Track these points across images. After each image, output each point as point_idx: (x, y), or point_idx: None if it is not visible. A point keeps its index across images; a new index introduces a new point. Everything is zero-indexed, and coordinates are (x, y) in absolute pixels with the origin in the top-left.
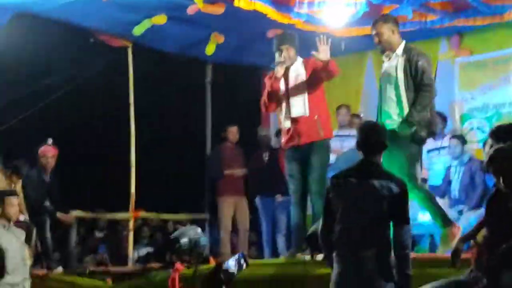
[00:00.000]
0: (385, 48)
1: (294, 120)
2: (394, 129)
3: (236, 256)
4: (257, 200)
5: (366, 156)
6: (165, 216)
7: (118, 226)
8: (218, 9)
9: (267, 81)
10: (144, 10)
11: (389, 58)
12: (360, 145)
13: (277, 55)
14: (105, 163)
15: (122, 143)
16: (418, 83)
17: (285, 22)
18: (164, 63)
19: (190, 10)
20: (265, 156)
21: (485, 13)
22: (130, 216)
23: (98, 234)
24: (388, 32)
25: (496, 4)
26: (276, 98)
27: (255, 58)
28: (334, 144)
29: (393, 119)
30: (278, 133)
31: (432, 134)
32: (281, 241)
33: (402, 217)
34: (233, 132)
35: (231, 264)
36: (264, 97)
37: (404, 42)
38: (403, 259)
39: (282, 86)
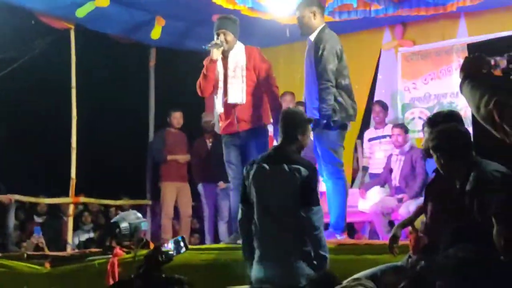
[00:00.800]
0: (305, 32)
1: (232, 106)
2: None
3: (176, 239)
4: (200, 186)
5: (280, 143)
6: (106, 201)
7: (58, 211)
8: None
9: (204, 64)
10: None
11: None
12: (278, 131)
13: (215, 37)
14: (46, 146)
15: (63, 126)
16: (318, 74)
17: (231, 8)
18: (107, 46)
19: None
20: (209, 143)
21: (429, 3)
22: (70, 201)
23: (38, 219)
24: (308, 14)
25: None
26: (212, 82)
27: (200, 42)
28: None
29: (314, 106)
30: None
31: (349, 118)
32: (222, 228)
33: (311, 199)
34: (176, 117)
35: (170, 246)
36: (200, 79)
37: (321, 27)
38: (315, 241)
39: (220, 69)
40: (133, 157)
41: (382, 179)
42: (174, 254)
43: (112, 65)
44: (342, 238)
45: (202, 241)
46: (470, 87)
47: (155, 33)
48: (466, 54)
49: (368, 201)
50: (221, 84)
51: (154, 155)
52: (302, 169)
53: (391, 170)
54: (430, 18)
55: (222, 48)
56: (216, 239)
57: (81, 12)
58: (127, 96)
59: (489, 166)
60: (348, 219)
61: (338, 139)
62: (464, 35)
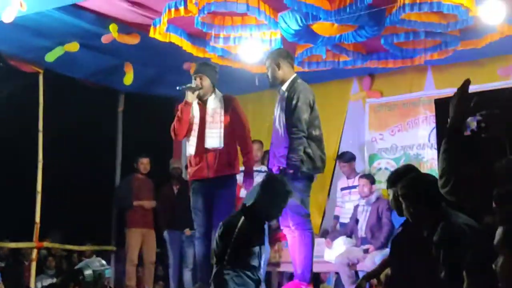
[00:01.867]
0: (272, 83)
1: (204, 152)
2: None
3: None
4: (165, 233)
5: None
6: (70, 247)
7: (20, 256)
8: (133, 40)
9: (179, 107)
10: (57, 37)
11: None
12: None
13: (192, 81)
14: (10, 190)
15: (29, 170)
16: (289, 124)
17: (200, 56)
18: (76, 90)
19: (105, 39)
20: (176, 189)
21: (397, 56)
22: (34, 246)
23: None
24: (272, 66)
25: (407, 48)
26: (186, 125)
27: (169, 89)
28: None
29: (282, 155)
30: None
31: (316, 170)
32: (187, 276)
33: None
34: (144, 163)
35: None
36: (174, 122)
37: (292, 77)
38: None
39: (196, 114)
40: (99, 202)
41: (349, 229)
42: None
43: (81, 109)
44: None
45: None
46: (442, 155)
47: (128, 79)
48: (433, 107)
49: (334, 251)
50: (195, 127)
51: (120, 201)
52: None
53: (357, 221)
54: (398, 70)
55: (197, 92)
56: (181, 287)
57: (50, 57)
58: (95, 141)
59: (458, 218)
60: (314, 269)
61: (304, 189)
62: (431, 87)
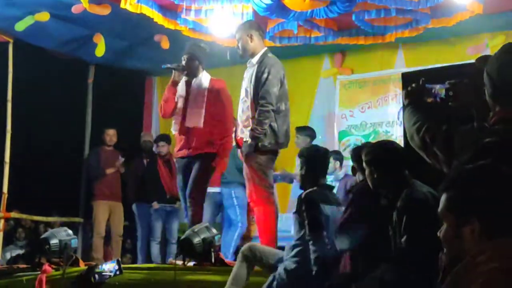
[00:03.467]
0: (243, 54)
1: (186, 131)
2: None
3: (112, 261)
4: (134, 206)
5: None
6: (37, 217)
7: None
8: (104, 10)
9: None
10: (27, 6)
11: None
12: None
13: (182, 61)
14: None
15: None
16: (258, 96)
17: (172, 28)
18: (45, 61)
19: (75, 10)
20: (146, 163)
21: (368, 33)
22: (1, 216)
23: None
24: (245, 37)
25: (378, 25)
26: (172, 103)
27: (140, 62)
28: None
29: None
30: (157, 139)
31: (279, 145)
32: (155, 249)
33: None
34: (109, 135)
35: (105, 267)
36: (162, 101)
37: (263, 50)
38: None
39: (181, 93)
40: (67, 174)
41: None
42: (108, 276)
43: (50, 80)
44: None
45: (134, 261)
46: (408, 114)
47: (99, 50)
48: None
49: None
50: (180, 105)
51: (89, 171)
52: None
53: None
54: (369, 47)
55: (183, 72)
56: (148, 260)
57: (20, 26)
58: (64, 112)
59: (422, 187)
60: (280, 243)
61: (266, 162)
62: (402, 65)
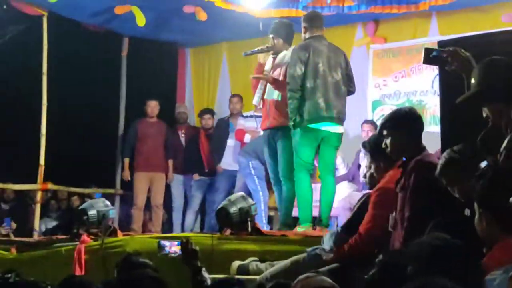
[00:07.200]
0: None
1: (266, 103)
2: None
3: (177, 242)
4: (173, 177)
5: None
6: (74, 189)
7: (26, 198)
8: None
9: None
10: None
11: None
12: None
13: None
14: (15, 132)
15: (33, 113)
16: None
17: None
18: (79, 34)
19: None
20: (181, 134)
21: (401, 1)
22: (38, 188)
23: (4, 206)
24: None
25: None
26: (258, 82)
27: (171, 34)
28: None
29: None
30: (203, 112)
31: (307, 121)
32: (190, 218)
33: None
34: (151, 106)
35: (168, 249)
36: (252, 88)
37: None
38: None
39: (267, 68)
40: (103, 146)
41: (350, 175)
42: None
43: (84, 53)
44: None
45: (169, 231)
46: None
47: (140, 20)
48: None
49: (336, 196)
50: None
51: (125, 145)
52: None
53: (359, 166)
54: (402, 16)
55: (269, 52)
56: (183, 230)
57: None
58: (99, 85)
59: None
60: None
61: (300, 141)
62: (436, 34)
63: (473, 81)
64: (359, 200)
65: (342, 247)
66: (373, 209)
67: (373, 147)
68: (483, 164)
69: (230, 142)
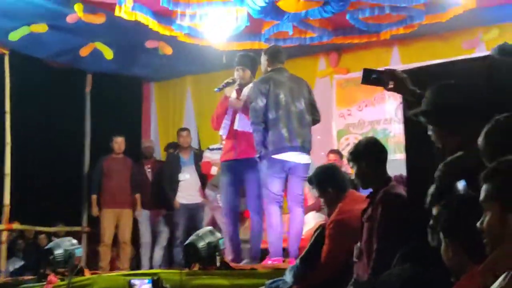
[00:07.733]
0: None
1: (236, 134)
2: None
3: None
4: (137, 213)
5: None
6: (40, 228)
7: None
8: (99, 19)
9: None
10: (23, 17)
11: None
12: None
13: (234, 73)
14: None
15: None
16: None
17: (167, 34)
18: (42, 71)
19: (70, 19)
20: (147, 169)
21: (363, 31)
22: (3, 228)
23: None
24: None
25: (373, 23)
26: (223, 116)
27: (135, 68)
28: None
29: None
30: (169, 146)
31: (271, 152)
32: (158, 254)
33: None
34: (118, 143)
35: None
36: (214, 114)
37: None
38: None
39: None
40: (68, 183)
41: (318, 204)
42: None
43: (48, 90)
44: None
45: (138, 268)
46: None
47: (108, 54)
48: None
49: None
50: (230, 111)
51: (91, 183)
52: None
53: None
54: (364, 45)
55: (235, 84)
56: (151, 266)
57: (14, 36)
58: (63, 122)
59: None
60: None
61: (268, 172)
62: (398, 63)
63: (424, 100)
64: (314, 232)
65: (303, 280)
66: (330, 242)
67: (317, 181)
68: (460, 184)
69: (182, 176)
